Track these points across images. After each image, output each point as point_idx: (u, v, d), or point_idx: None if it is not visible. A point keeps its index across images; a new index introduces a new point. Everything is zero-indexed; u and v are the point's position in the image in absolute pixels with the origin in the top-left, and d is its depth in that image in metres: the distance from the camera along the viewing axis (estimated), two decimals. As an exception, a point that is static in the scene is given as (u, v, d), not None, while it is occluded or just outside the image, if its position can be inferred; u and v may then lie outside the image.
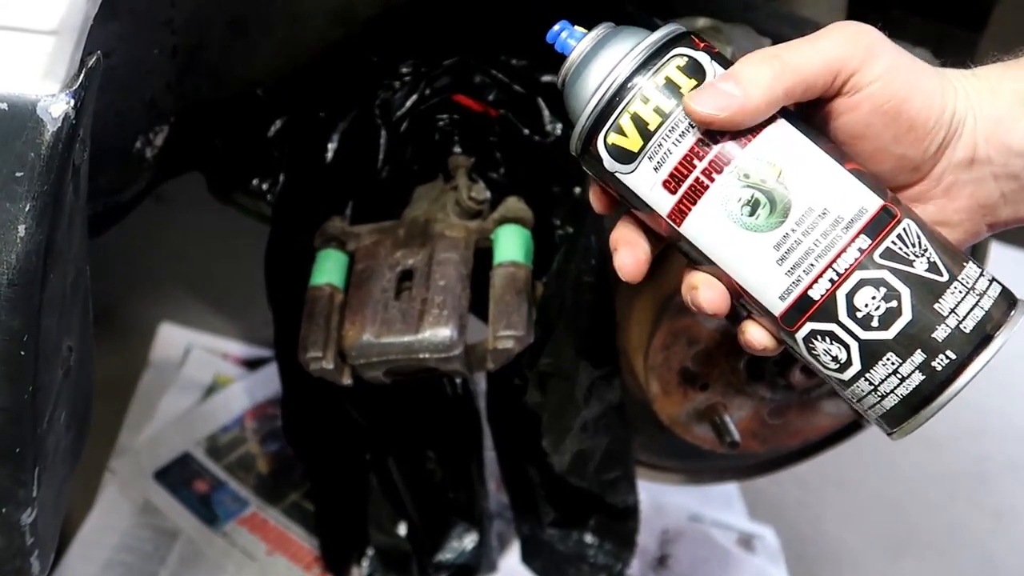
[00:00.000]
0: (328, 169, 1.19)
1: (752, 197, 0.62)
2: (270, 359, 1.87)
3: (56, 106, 0.62)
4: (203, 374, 1.84)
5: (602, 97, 0.65)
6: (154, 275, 2.05)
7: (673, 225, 0.66)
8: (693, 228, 0.65)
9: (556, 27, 0.70)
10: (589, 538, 1.31)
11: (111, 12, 0.93)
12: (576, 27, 0.70)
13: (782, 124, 0.64)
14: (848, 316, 0.63)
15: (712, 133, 0.63)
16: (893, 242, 0.63)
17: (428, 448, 1.42)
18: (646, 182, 0.65)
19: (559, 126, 1.18)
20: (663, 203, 0.65)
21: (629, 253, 0.70)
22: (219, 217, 1.76)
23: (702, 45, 0.66)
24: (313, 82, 1.18)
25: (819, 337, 0.64)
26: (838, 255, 0.62)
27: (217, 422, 1.74)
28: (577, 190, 1.16)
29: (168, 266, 2.07)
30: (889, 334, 0.63)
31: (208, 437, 1.72)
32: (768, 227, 0.63)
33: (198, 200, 1.47)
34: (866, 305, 0.62)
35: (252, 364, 1.88)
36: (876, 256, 0.62)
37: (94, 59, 0.65)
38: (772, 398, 1.12)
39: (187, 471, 1.65)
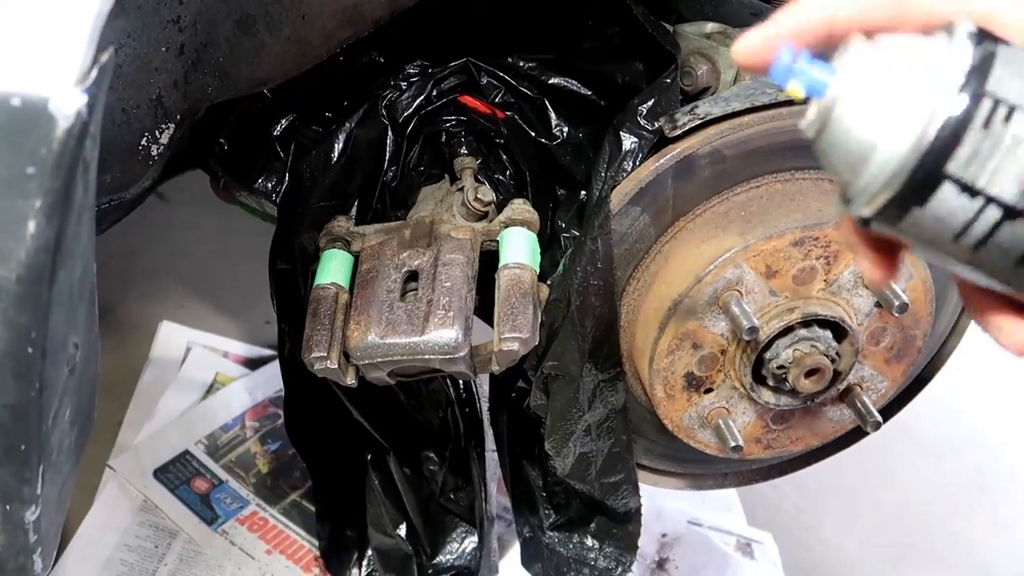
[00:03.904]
0: (334, 169, 1.19)
1: None
2: (271, 358, 1.87)
3: (69, 103, 0.62)
4: (203, 373, 1.83)
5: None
6: (155, 273, 2.05)
7: None
8: None
9: (785, 57, 0.55)
10: (590, 541, 1.31)
11: (119, 9, 0.93)
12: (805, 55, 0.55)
13: None
14: None
15: None
16: None
17: (429, 449, 1.42)
18: None
19: (566, 129, 1.18)
20: None
21: None
22: (221, 216, 1.77)
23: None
24: (320, 82, 1.18)
25: None
26: None
27: (217, 421, 1.74)
28: (583, 194, 1.16)
29: (169, 264, 2.07)
30: None
31: (208, 436, 1.71)
32: None
33: (200, 199, 1.48)
34: None
35: (253, 363, 1.88)
36: None
37: (107, 55, 0.65)
38: (776, 404, 1.12)
39: (187, 470, 1.65)
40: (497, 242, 1.13)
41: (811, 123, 0.55)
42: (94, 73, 0.64)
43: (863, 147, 0.53)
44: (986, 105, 0.50)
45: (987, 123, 0.50)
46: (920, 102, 0.51)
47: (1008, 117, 0.50)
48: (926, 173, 0.51)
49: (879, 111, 0.52)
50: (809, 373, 1.07)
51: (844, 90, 0.54)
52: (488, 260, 1.13)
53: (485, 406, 1.36)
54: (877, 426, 1.13)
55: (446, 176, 1.22)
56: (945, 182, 0.51)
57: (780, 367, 1.07)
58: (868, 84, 0.53)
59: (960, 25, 0.52)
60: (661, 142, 1.05)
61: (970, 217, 0.52)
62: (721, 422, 1.12)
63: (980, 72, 0.50)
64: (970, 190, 0.51)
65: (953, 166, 0.51)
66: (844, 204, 0.56)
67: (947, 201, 0.52)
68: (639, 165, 1.05)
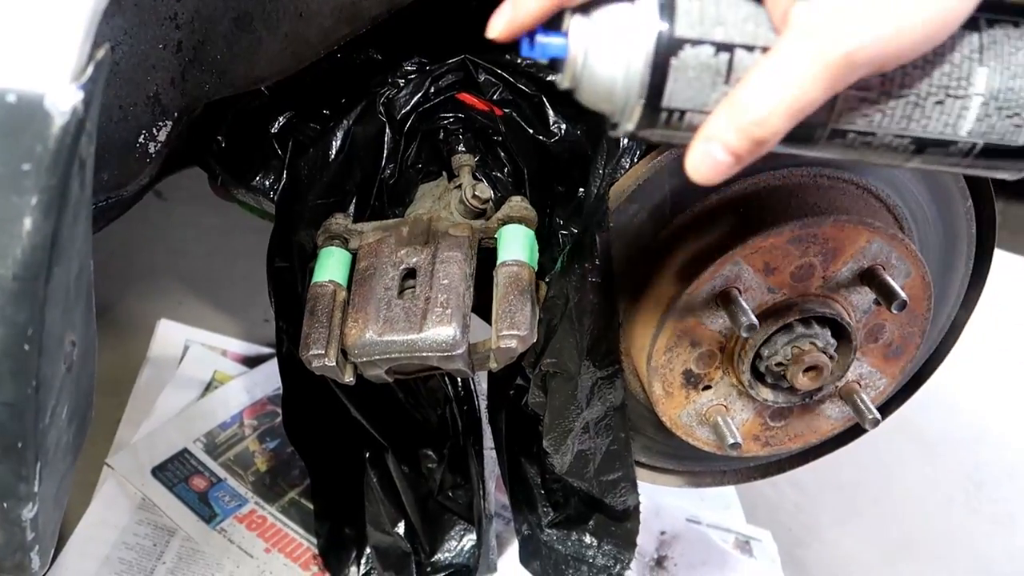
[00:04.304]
0: (331, 167, 1.19)
1: None
2: (269, 356, 1.87)
3: (64, 99, 0.62)
4: (202, 371, 1.83)
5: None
6: (154, 271, 2.05)
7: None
8: None
9: (528, 40, 0.72)
10: (588, 539, 1.31)
11: (116, 7, 0.93)
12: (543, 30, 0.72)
13: None
14: None
15: None
16: None
17: (427, 447, 1.41)
18: None
19: (564, 126, 1.17)
20: None
21: None
22: (219, 214, 1.77)
23: None
24: (317, 79, 1.18)
25: None
26: None
27: (215, 419, 1.74)
28: (581, 191, 1.15)
29: (168, 262, 2.07)
30: None
31: (206, 434, 1.71)
32: None
33: (198, 197, 1.47)
34: None
35: (251, 361, 1.88)
36: None
37: (103, 52, 0.65)
38: (774, 401, 1.12)
39: (185, 468, 1.65)
40: (495, 239, 1.12)
41: (565, 80, 0.72)
42: (90, 70, 0.64)
43: (609, 84, 0.70)
44: (678, 29, 0.68)
45: (682, 46, 0.68)
46: (635, 38, 0.68)
47: (694, 45, 0.68)
48: (656, 83, 0.69)
49: (611, 56, 0.69)
50: (807, 370, 1.07)
51: (580, 50, 0.70)
52: (486, 258, 1.13)
53: (483, 404, 1.36)
54: (875, 423, 1.13)
55: (444, 173, 1.22)
56: (668, 86, 0.69)
57: (778, 364, 1.07)
58: (595, 40, 0.70)
59: None
60: (659, 139, 1.05)
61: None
62: (719, 419, 1.12)
63: (667, 9, 0.68)
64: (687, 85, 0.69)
65: (672, 73, 0.69)
66: (612, 129, 0.74)
67: (675, 98, 0.70)
68: (637, 162, 1.05)
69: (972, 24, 0.69)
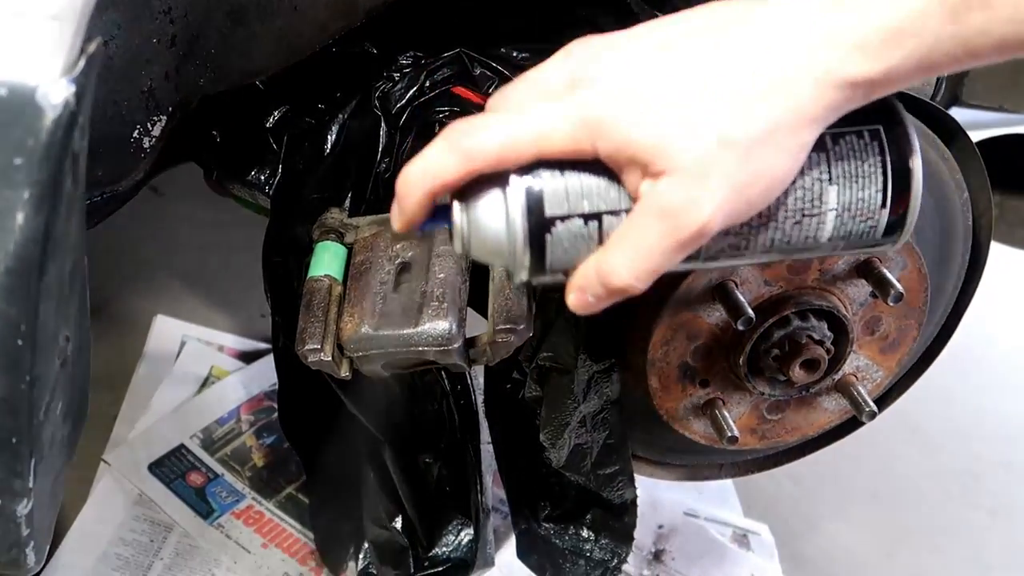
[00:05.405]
0: (327, 161, 1.19)
1: None
2: (266, 352, 1.87)
3: (56, 93, 0.61)
4: (198, 367, 1.83)
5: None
6: (150, 267, 2.04)
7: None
8: None
9: (428, 221, 0.77)
10: (586, 533, 1.31)
11: (110, 0, 0.93)
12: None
13: None
14: None
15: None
16: None
17: (424, 442, 1.41)
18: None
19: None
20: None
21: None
22: (215, 209, 1.76)
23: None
24: (312, 73, 1.18)
25: None
26: None
27: (212, 415, 1.74)
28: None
29: (164, 258, 2.07)
30: None
31: (203, 430, 1.71)
32: None
33: (194, 192, 1.47)
34: None
35: (248, 357, 1.88)
36: None
37: (95, 45, 0.64)
38: (771, 394, 1.12)
39: (182, 464, 1.65)
40: (491, 233, 1.12)
41: (458, 248, 0.77)
42: (82, 63, 0.63)
43: (496, 248, 0.75)
44: (548, 210, 0.73)
45: (554, 223, 0.74)
46: (511, 221, 0.74)
47: (564, 220, 0.74)
48: (536, 254, 0.75)
49: (491, 235, 0.75)
50: (804, 363, 1.06)
51: (463, 228, 0.76)
52: (482, 252, 1.13)
53: (480, 398, 1.36)
54: (872, 416, 1.13)
55: (440, 167, 1.22)
56: (547, 256, 0.75)
57: (775, 357, 1.07)
58: (475, 225, 0.75)
59: (511, 175, 0.73)
60: (655, 132, 1.05)
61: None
62: (716, 413, 1.12)
63: (536, 193, 0.73)
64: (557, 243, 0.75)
65: (548, 247, 0.74)
66: (509, 279, 0.83)
67: (555, 263, 0.76)
68: (633, 155, 1.05)
69: (819, 144, 0.72)
